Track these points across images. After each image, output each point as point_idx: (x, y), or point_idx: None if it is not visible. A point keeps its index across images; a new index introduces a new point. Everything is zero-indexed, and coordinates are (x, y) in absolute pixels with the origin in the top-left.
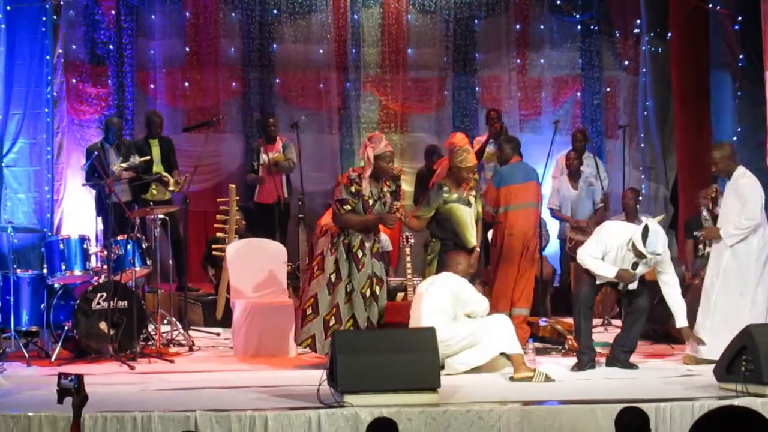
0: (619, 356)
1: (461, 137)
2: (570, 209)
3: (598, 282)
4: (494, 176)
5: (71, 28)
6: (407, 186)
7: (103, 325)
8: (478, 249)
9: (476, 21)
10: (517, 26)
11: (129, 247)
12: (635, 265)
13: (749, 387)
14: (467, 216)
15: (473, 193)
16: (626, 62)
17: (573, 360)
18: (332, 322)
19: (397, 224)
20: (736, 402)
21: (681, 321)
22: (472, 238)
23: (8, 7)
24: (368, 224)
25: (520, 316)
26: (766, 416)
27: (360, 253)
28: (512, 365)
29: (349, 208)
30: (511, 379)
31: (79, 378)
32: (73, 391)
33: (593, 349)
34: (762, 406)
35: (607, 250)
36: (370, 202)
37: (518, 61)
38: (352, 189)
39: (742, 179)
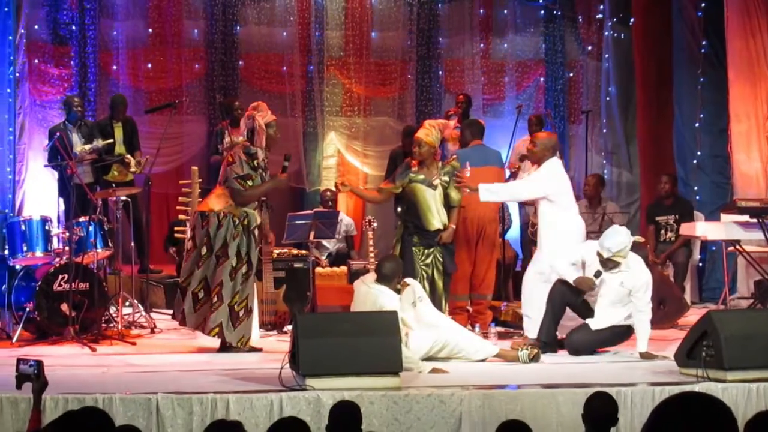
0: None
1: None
2: None
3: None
4: None
5: (34, 8)
6: (373, 170)
7: (64, 307)
8: (453, 226)
9: (440, 5)
10: (481, 11)
11: (91, 228)
12: (598, 274)
13: (710, 372)
14: (429, 197)
15: (445, 177)
16: (589, 48)
17: None
18: (237, 308)
19: (359, 206)
20: (697, 387)
21: (642, 346)
22: (434, 219)
23: None
24: (267, 192)
25: (483, 301)
26: (726, 402)
27: (256, 232)
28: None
29: (251, 183)
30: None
31: (39, 364)
32: (33, 377)
33: (555, 339)
34: (722, 392)
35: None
36: (263, 173)
37: (481, 45)
38: (254, 163)
39: (548, 166)
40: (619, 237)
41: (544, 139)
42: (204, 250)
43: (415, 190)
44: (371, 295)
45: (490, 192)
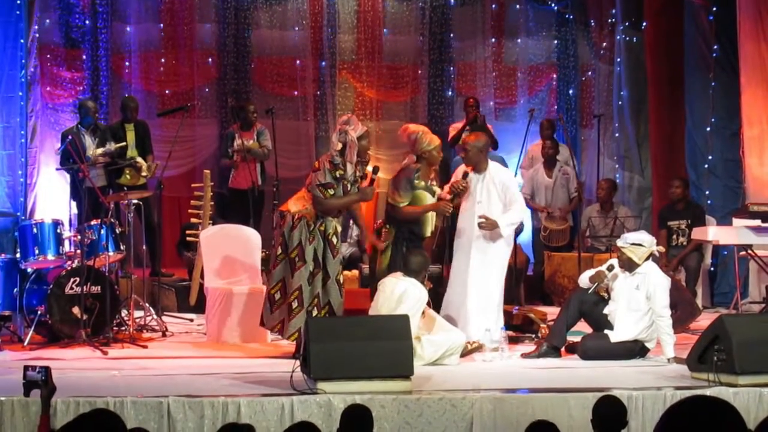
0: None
1: (414, 124)
2: (545, 198)
3: (590, 291)
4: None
5: (46, 11)
6: (385, 174)
7: (76, 310)
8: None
9: (452, 8)
10: (493, 10)
11: (103, 232)
12: (611, 267)
13: (721, 377)
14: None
15: (435, 183)
16: (601, 51)
17: None
18: (314, 313)
19: (371, 213)
20: (708, 392)
21: (669, 352)
22: (429, 227)
23: None
24: (352, 204)
25: None
26: (737, 406)
27: (334, 239)
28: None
29: (332, 192)
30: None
31: (46, 370)
32: (41, 383)
33: (562, 340)
34: (734, 396)
35: None
36: (349, 186)
37: (494, 49)
38: (337, 174)
39: (500, 173)
40: (641, 235)
41: (474, 142)
42: (279, 250)
43: (421, 197)
44: (399, 286)
45: (510, 225)
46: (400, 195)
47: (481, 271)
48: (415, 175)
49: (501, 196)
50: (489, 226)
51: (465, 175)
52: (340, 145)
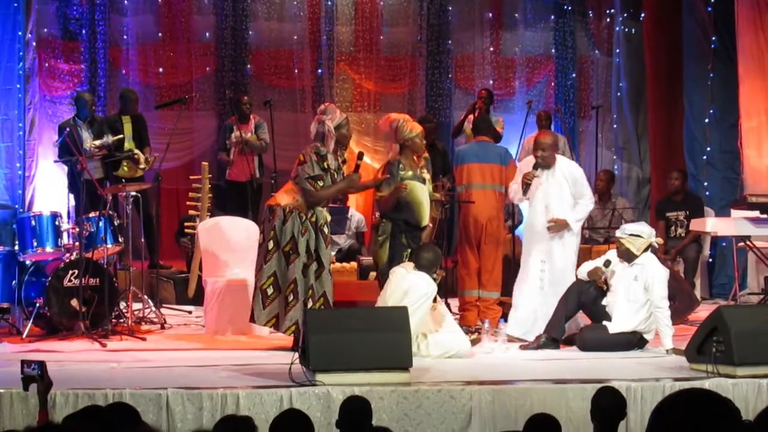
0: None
1: (396, 113)
2: None
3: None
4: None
5: (44, 4)
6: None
7: (74, 303)
8: (430, 225)
9: (450, 0)
10: (491, 6)
11: (101, 224)
12: (607, 263)
13: (720, 368)
14: (422, 193)
15: (425, 171)
16: (600, 43)
17: None
18: (309, 304)
19: (370, 202)
20: (707, 383)
21: (667, 343)
22: (426, 216)
23: None
24: (340, 192)
25: (490, 299)
26: (736, 397)
27: (326, 229)
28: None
29: (322, 183)
30: None
31: (42, 365)
32: (37, 378)
33: (561, 332)
34: (732, 387)
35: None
36: (336, 175)
37: (492, 41)
38: (324, 165)
39: (570, 167)
40: (640, 226)
41: (548, 139)
42: (271, 245)
43: (410, 187)
44: (408, 279)
45: (578, 221)
46: (384, 184)
47: (553, 265)
48: (397, 166)
49: (571, 189)
50: (558, 228)
51: (536, 166)
52: (320, 136)
